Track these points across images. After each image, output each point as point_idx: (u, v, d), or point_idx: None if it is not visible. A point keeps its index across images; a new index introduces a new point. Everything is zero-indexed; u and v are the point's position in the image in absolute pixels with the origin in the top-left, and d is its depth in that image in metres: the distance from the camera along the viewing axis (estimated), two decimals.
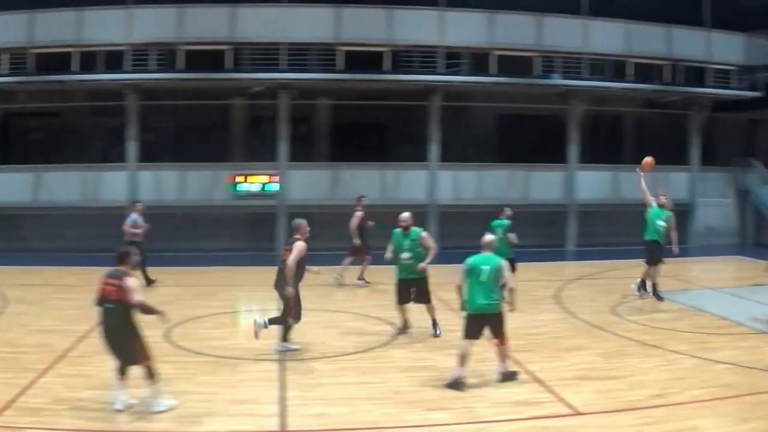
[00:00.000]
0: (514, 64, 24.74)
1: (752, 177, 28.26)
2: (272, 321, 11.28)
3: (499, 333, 10.12)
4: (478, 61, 24.48)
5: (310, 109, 27.18)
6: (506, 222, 15.09)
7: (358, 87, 24.50)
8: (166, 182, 24.07)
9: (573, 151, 25.99)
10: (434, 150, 24.75)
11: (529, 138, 28.63)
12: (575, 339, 12.74)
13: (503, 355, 10.24)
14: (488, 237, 10.59)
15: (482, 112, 27.82)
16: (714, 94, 26.87)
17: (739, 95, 27.31)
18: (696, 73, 26.98)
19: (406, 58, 23.92)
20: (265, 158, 24.82)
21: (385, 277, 17.61)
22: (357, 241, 17.32)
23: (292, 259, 10.74)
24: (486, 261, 10.20)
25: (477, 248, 11.16)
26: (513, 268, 13.85)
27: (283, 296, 11.13)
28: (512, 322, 12.58)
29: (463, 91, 25.53)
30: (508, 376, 10.22)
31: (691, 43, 26.67)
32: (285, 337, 11.37)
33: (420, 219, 22.94)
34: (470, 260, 10.25)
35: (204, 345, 11.65)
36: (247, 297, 16.89)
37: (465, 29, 24.28)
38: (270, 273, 11.91)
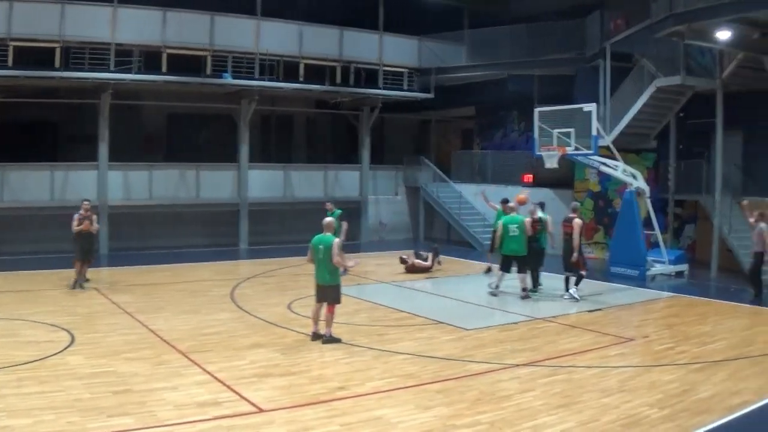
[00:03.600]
0: (186, 63, 28.44)
1: (423, 174, 35.93)
2: (577, 282, 19.53)
3: (330, 302, 14.46)
4: (149, 59, 27.78)
5: None
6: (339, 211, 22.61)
7: (28, 84, 26.79)
8: None
9: (244, 150, 31.30)
10: (104, 149, 28.30)
11: (201, 137, 33.62)
12: (253, 337, 14.98)
13: (329, 322, 14.43)
14: (327, 219, 14.82)
15: (153, 111, 32.40)
16: (385, 95, 33.56)
17: (411, 96, 34.42)
18: (369, 75, 33.20)
19: (78, 54, 26.40)
20: None
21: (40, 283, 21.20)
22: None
23: (576, 234, 19.13)
24: (322, 240, 14.41)
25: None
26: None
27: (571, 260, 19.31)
28: (187, 323, 16.34)
29: (134, 89, 29.13)
30: (332, 340, 14.34)
31: (363, 46, 33.02)
32: (577, 284, 19.46)
33: None
34: (312, 240, 14.51)
35: None
36: None
37: (137, 26, 27.47)
38: None
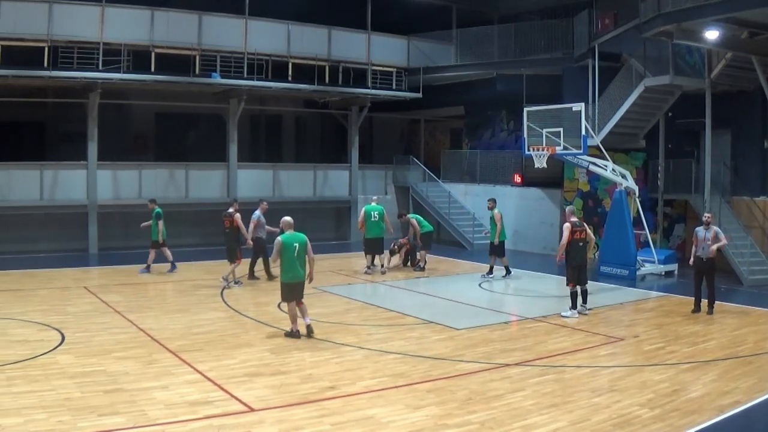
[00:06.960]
0: (174, 63, 28.29)
1: (412, 174, 35.97)
2: (584, 297, 17.73)
3: (301, 298, 14.81)
4: (137, 58, 27.55)
5: None
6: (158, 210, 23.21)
7: (16, 83, 26.60)
8: None
9: (233, 150, 31.27)
10: (93, 149, 28.21)
11: (190, 137, 33.82)
12: (243, 336, 15.04)
13: (305, 312, 14.87)
14: (286, 218, 15.07)
15: (142, 110, 32.28)
16: (374, 94, 33.52)
17: (400, 96, 34.34)
18: (357, 74, 33.18)
19: (66, 54, 26.21)
20: None
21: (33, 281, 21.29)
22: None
23: (579, 237, 17.63)
24: (296, 238, 14.64)
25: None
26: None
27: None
28: (177, 322, 16.40)
29: (123, 88, 28.97)
30: (310, 330, 14.71)
31: (352, 45, 33.04)
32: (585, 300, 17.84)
33: (80, 219, 27.71)
34: (284, 238, 14.59)
35: None
36: None
37: (125, 26, 27.29)
38: None
